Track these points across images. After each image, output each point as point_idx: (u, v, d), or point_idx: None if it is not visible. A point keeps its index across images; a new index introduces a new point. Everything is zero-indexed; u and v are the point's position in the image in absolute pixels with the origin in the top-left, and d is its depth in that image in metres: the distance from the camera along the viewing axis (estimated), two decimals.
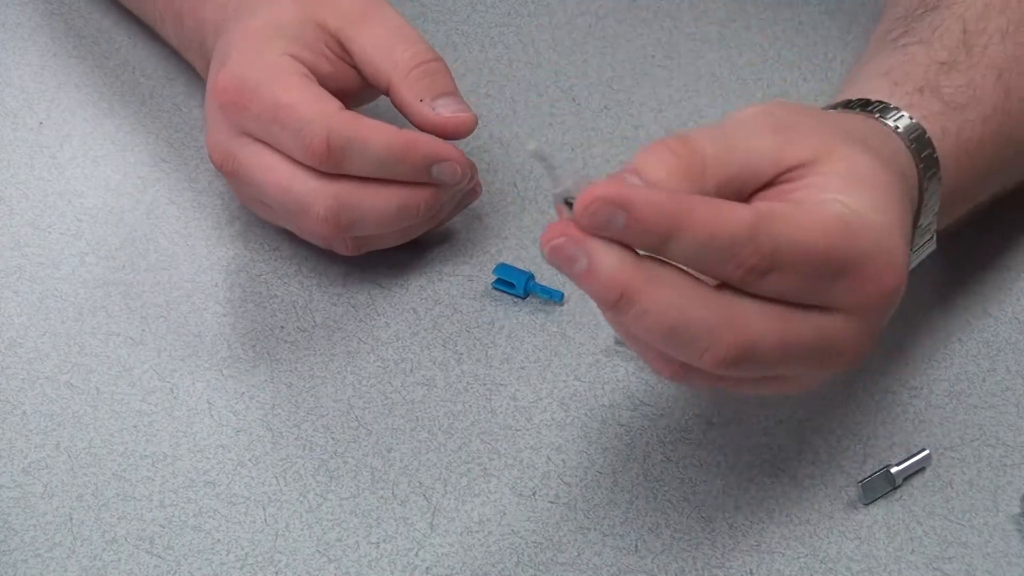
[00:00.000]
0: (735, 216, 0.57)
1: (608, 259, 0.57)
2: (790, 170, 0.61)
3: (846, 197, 0.60)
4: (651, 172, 0.59)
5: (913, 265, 0.69)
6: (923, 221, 0.68)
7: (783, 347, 0.59)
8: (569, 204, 0.58)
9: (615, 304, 0.58)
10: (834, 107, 0.70)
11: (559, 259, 0.58)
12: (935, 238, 0.70)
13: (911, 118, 0.68)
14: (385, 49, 0.76)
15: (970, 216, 0.76)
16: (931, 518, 0.69)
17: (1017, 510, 0.69)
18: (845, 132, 0.63)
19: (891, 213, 0.61)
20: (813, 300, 0.60)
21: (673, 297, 0.58)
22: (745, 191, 0.61)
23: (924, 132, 0.68)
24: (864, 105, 0.69)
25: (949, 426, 0.73)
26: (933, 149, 0.68)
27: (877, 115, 0.68)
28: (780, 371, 0.61)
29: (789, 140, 0.61)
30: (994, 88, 0.71)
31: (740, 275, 0.58)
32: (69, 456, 0.71)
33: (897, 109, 0.68)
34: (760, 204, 0.59)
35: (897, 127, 0.67)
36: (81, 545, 0.68)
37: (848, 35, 0.94)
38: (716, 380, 0.61)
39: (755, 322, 0.59)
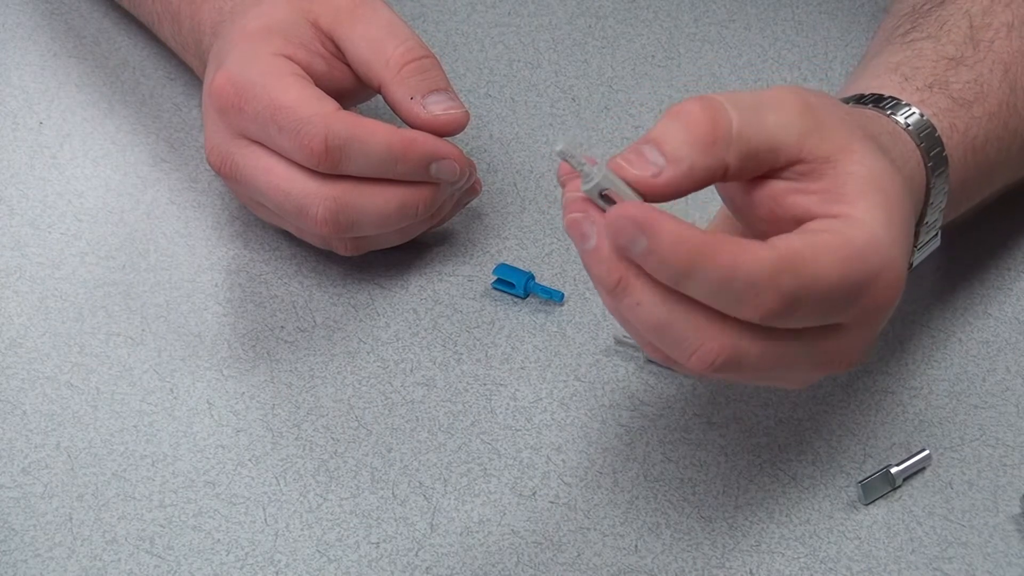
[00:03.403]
0: (756, 259, 0.57)
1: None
2: (809, 162, 0.60)
3: (857, 208, 0.59)
4: (671, 143, 0.58)
5: (917, 262, 0.69)
6: (929, 218, 0.68)
7: (773, 360, 0.60)
8: (603, 198, 0.58)
9: (613, 289, 0.58)
10: (846, 100, 0.70)
11: (573, 232, 0.59)
12: (939, 235, 0.70)
13: (922, 115, 0.68)
14: (376, 46, 0.76)
15: (976, 211, 0.76)
16: (931, 518, 0.69)
17: (1017, 510, 0.69)
18: (863, 131, 0.63)
19: (896, 226, 0.61)
20: (822, 323, 0.60)
21: (668, 296, 0.58)
22: (761, 168, 0.60)
23: (934, 130, 0.68)
24: (877, 101, 0.69)
25: (949, 426, 0.73)
26: (942, 147, 0.68)
27: (889, 112, 0.68)
28: (771, 376, 0.62)
29: (816, 129, 0.60)
30: (1000, 84, 0.72)
31: (757, 317, 0.58)
32: (69, 456, 0.71)
33: (908, 105, 0.68)
34: (782, 245, 0.58)
35: (908, 124, 0.67)
36: (81, 545, 0.68)
37: (848, 35, 0.94)
38: (709, 377, 0.61)
39: (746, 337, 0.59)
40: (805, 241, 0.58)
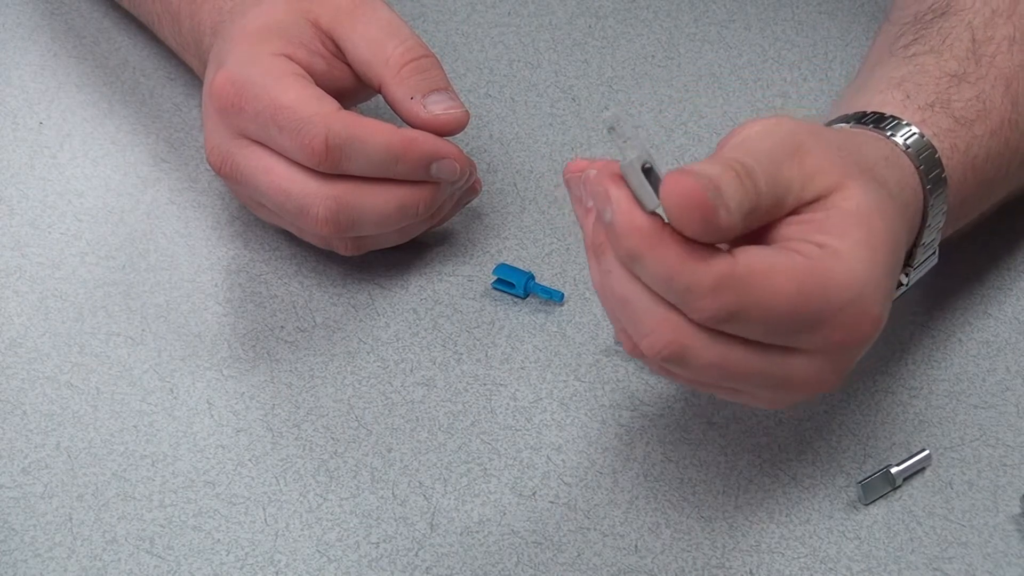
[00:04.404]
0: (703, 268, 0.57)
1: None
2: (806, 203, 0.61)
3: (840, 241, 0.60)
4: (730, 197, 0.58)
5: (914, 280, 0.69)
6: (926, 238, 0.68)
7: (722, 367, 0.60)
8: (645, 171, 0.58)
9: (594, 250, 0.60)
10: (847, 119, 0.69)
11: (573, 190, 0.61)
12: (937, 252, 0.70)
13: (922, 136, 0.68)
14: (376, 46, 0.76)
15: (975, 224, 0.76)
16: (931, 518, 0.69)
17: (1017, 510, 0.69)
18: (858, 163, 0.63)
19: (880, 266, 0.61)
20: (773, 342, 0.60)
21: (632, 273, 0.59)
22: (772, 220, 0.61)
23: (934, 151, 0.68)
24: (878, 121, 0.68)
25: (949, 426, 0.73)
26: (942, 168, 0.68)
27: (889, 132, 0.68)
28: (730, 386, 0.62)
29: (812, 174, 0.61)
30: (1002, 101, 0.71)
31: (698, 319, 0.59)
32: (69, 456, 0.71)
33: (909, 125, 0.68)
34: (741, 260, 0.58)
35: (908, 146, 0.67)
36: (81, 545, 0.68)
37: (848, 35, 0.94)
38: (664, 371, 0.62)
39: (693, 335, 0.59)
40: (766, 260, 0.59)
